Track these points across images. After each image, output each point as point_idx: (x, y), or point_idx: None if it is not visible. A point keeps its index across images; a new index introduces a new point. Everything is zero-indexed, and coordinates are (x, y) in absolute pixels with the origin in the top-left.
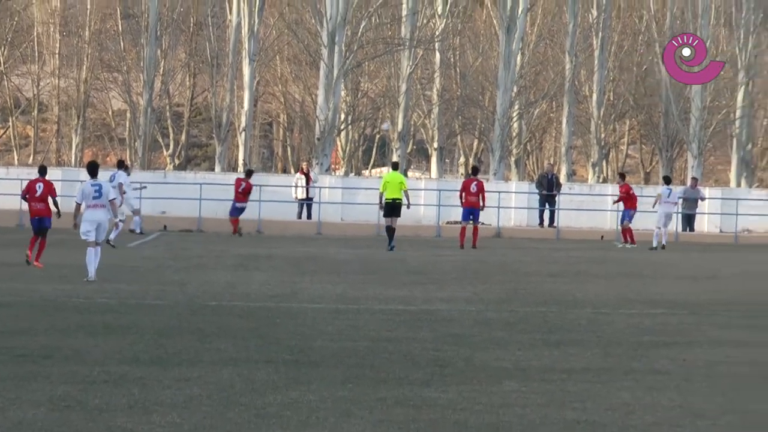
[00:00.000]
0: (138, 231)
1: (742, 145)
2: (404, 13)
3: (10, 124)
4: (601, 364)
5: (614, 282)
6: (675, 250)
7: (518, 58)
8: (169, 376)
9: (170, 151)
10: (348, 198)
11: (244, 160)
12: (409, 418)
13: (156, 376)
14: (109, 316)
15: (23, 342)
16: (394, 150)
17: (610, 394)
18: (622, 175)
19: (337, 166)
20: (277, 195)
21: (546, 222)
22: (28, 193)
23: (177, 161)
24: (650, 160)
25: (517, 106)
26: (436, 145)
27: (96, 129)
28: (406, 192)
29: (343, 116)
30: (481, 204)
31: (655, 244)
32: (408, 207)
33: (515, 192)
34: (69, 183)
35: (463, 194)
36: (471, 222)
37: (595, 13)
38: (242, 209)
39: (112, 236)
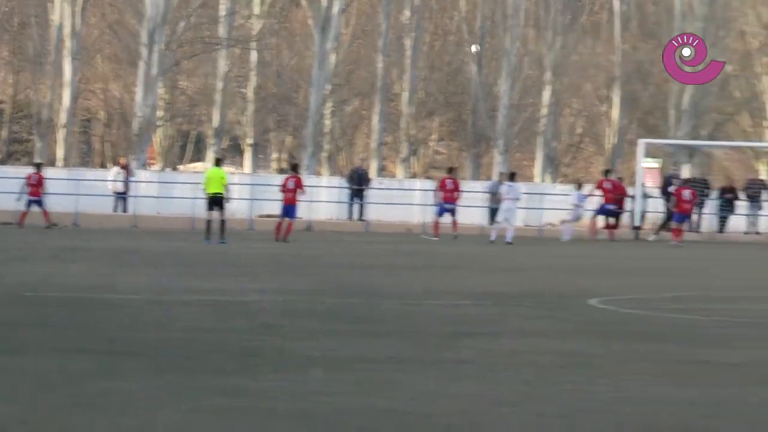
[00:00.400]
0: None
1: (547, 142)
2: (222, 13)
3: None
4: (408, 354)
5: (422, 274)
6: (479, 243)
7: (333, 57)
8: None
9: None
10: (164, 192)
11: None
12: (222, 407)
13: None
14: None
15: None
16: (209, 146)
17: (416, 383)
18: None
19: (153, 161)
20: (95, 189)
21: (356, 216)
22: None
23: None
24: (458, 156)
25: (330, 104)
26: (250, 141)
27: None
28: (226, 186)
29: (161, 113)
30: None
31: (493, 238)
32: (228, 201)
33: (326, 186)
34: None
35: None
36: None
37: (408, 14)
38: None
39: None
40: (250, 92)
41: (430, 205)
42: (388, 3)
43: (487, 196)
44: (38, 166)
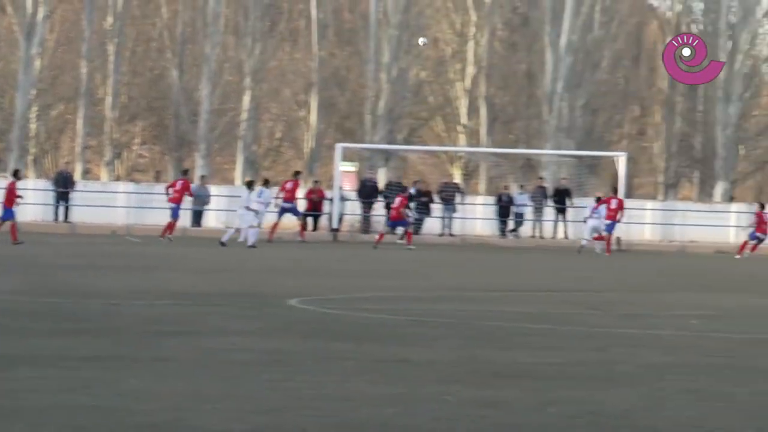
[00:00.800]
0: None
1: (247, 145)
2: None
3: None
4: (112, 352)
5: (126, 274)
6: (186, 245)
7: (38, 62)
8: None
9: None
10: None
11: None
12: None
13: None
14: None
15: None
16: None
17: (120, 381)
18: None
19: None
20: None
21: (61, 218)
22: None
23: None
24: (161, 160)
25: (35, 108)
26: None
27: None
28: None
29: None
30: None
31: (224, 239)
32: None
33: (32, 189)
34: None
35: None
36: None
37: (110, 20)
38: None
39: None
40: None
41: (135, 207)
42: (91, 10)
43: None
44: None
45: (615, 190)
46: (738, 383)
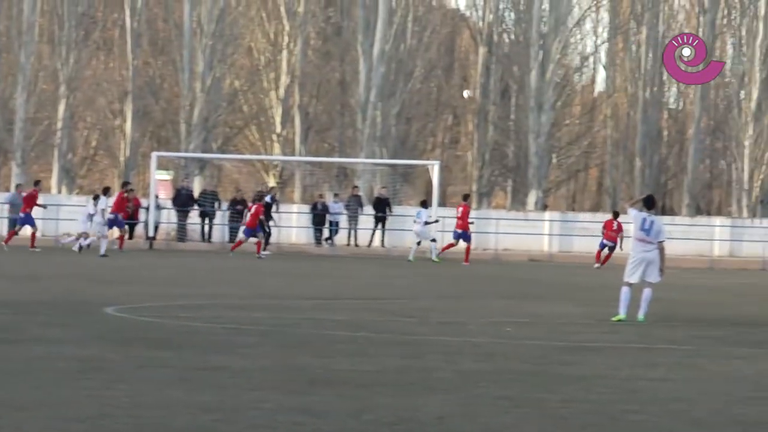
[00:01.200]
0: None
1: (63, 154)
2: None
3: None
4: None
5: None
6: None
7: None
8: None
9: None
10: None
11: None
12: None
13: None
14: None
15: None
16: None
17: None
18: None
19: None
20: None
21: None
22: None
23: None
24: None
25: None
26: None
27: None
28: None
29: None
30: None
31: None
32: None
33: None
34: None
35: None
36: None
37: None
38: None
39: None
40: None
41: None
42: None
43: (7, 206)
44: None
45: (465, 197)
46: (550, 390)
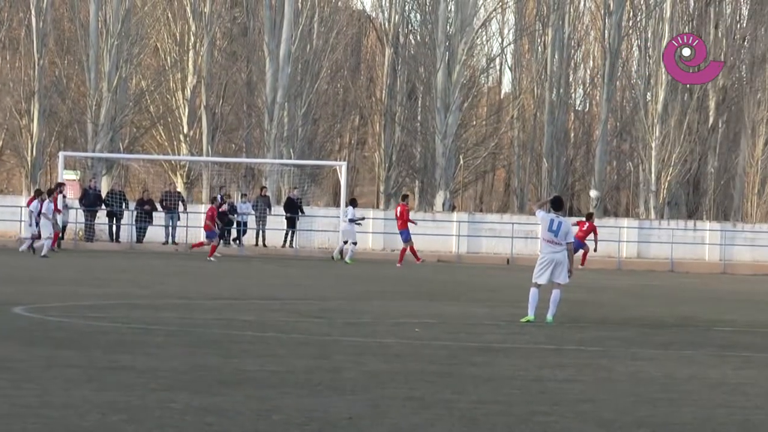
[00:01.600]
0: None
1: None
2: None
3: None
4: None
5: None
6: None
7: None
8: None
9: None
10: None
11: None
12: None
13: None
14: None
15: None
16: None
17: None
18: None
19: None
20: None
21: None
22: None
23: None
24: None
25: None
26: None
27: None
28: None
29: None
30: None
31: None
32: None
33: None
34: None
35: None
36: None
37: None
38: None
39: None
40: None
41: None
42: None
43: None
44: None
45: (404, 197)
46: (459, 391)
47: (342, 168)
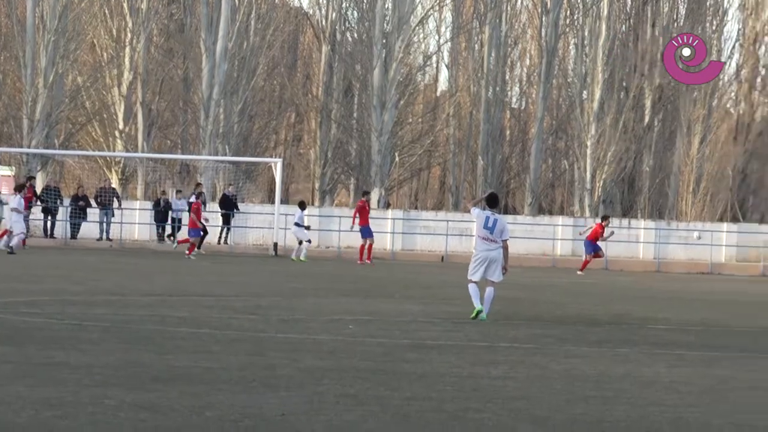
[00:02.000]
0: None
1: None
2: None
3: None
4: None
5: None
6: None
7: None
8: None
9: None
10: None
11: None
12: None
13: None
14: None
15: None
16: None
17: None
18: None
19: None
20: None
21: None
22: None
23: None
24: None
25: None
26: None
27: None
28: None
29: None
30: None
31: None
32: None
33: None
34: None
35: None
36: None
37: None
38: None
39: None
40: None
41: None
42: None
43: None
44: None
45: (364, 194)
46: (393, 388)
47: (277, 165)
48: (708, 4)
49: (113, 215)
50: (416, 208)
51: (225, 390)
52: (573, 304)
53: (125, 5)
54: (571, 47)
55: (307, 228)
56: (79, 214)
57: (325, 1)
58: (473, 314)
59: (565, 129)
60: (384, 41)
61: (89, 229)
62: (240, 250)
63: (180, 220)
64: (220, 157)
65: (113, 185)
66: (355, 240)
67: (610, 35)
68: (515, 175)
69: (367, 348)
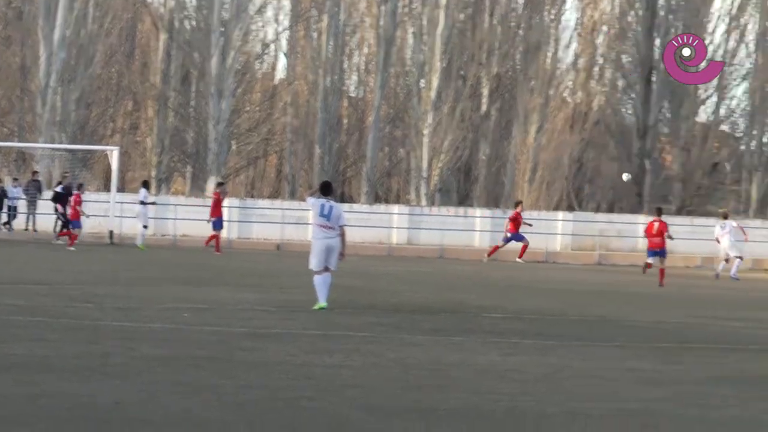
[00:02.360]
0: None
1: None
2: None
3: None
4: None
5: None
6: None
7: None
8: None
9: None
10: None
11: None
12: None
13: None
14: None
15: None
16: None
17: None
18: None
19: None
20: None
21: None
22: None
23: None
24: None
25: None
26: None
27: None
28: None
29: None
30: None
31: None
32: None
33: None
34: None
35: None
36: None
37: None
38: None
39: None
40: None
41: None
42: None
43: None
44: None
45: (219, 184)
46: (228, 376)
47: (114, 153)
48: None
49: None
50: (252, 196)
51: (60, 378)
52: (408, 293)
53: None
54: (409, 36)
55: (153, 204)
56: None
57: None
58: (317, 306)
59: (403, 118)
60: (222, 29)
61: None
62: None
63: (16, 208)
64: (56, 145)
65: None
66: (191, 228)
67: (448, 24)
68: (352, 164)
69: (202, 336)
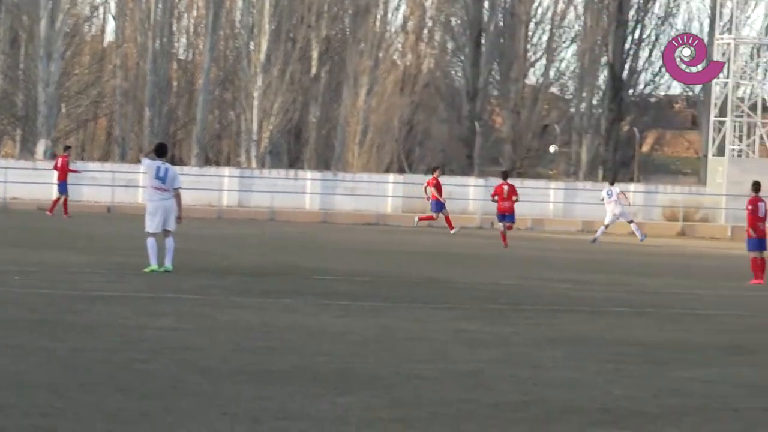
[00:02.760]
0: None
1: None
2: None
3: None
4: None
5: None
6: None
7: None
8: None
9: None
10: None
11: None
12: None
13: None
14: None
15: None
16: None
17: None
18: None
19: None
20: None
21: None
22: None
23: None
24: None
25: None
26: None
27: None
28: None
29: None
30: None
31: None
32: None
33: None
34: None
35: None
36: None
37: None
38: None
39: None
40: None
41: None
42: None
43: None
44: None
45: (66, 148)
46: (59, 339)
47: None
48: None
49: None
50: (83, 159)
51: None
52: (239, 256)
53: None
54: None
55: None
56: None
57: None
58: (148, 269)
59: (233, 80)
60: None
61: None
62: None
63: None
64: None
65: None
66: (21, 191)
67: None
68: (182, 126)
69: (33, 299)
